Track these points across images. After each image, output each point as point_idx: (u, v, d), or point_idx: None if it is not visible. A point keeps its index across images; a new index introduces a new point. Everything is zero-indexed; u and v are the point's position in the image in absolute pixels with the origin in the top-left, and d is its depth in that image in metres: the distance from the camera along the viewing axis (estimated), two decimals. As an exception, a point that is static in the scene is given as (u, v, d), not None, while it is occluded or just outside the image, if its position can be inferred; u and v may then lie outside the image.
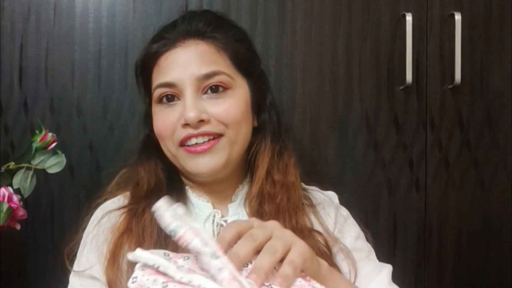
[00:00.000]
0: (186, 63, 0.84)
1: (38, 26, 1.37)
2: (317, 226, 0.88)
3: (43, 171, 1.16)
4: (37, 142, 1.17)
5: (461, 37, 1.37)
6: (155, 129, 0.88)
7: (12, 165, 1.15)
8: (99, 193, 0.97)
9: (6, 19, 1.37)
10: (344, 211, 0.97)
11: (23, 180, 1.15)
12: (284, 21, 1.39)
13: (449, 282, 1.41)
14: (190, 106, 0.82)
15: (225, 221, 0.88)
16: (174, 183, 0.91)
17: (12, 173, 1.15)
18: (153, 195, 0.87)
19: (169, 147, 0.87)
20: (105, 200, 0.94)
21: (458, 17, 1.37)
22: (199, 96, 0.84)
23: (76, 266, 0.89)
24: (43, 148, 1.17)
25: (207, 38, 0.87)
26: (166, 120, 0.86)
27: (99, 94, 1.37)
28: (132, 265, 0.80)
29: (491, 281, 1.43)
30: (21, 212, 1.15)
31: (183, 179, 0.93)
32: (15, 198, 1.14)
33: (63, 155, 1.17)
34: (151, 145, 0.93)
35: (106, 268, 0.83)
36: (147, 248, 0.81)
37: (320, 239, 0.85)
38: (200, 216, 0.89)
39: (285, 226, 0.79)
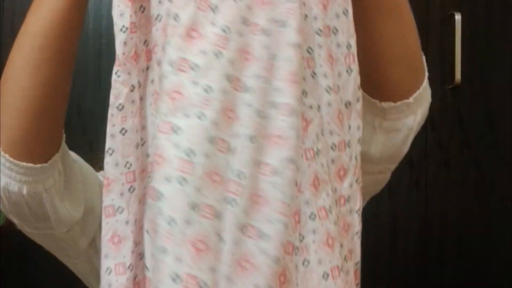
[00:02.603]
0: None
1: (38, 26, 1.37)
2: None
3: (43, 171, 1.16)
4: (37, 142, 1.17)
5: (461, 37, 1.37)
6: None
7: (12, 165, 1.15)
8: None
9: (6, 19, 1.37)
10: None
11: (23, 180, 1.15)
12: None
13: (449, 282, 1.41)
14: None
15: None
16: None
17: (12, 173, 1.15)
18: None
19: None
20: None
21: (458, 17, 1.37)
22: None
23: None
24: (43, 148, 1.17)
25: None
26: None
27: (99, 94, 1.37)
28: None
29: (491, 281, 1.42)
30: (21, 212, 1.15)
31: None
32: (15, 198, 1.14)
33: (63, 155, 1.17)
34: None
35: None
36: None
37: None
38: None
39: None
